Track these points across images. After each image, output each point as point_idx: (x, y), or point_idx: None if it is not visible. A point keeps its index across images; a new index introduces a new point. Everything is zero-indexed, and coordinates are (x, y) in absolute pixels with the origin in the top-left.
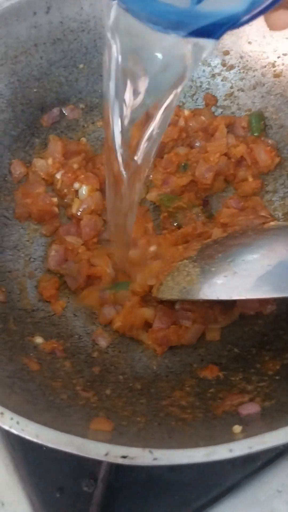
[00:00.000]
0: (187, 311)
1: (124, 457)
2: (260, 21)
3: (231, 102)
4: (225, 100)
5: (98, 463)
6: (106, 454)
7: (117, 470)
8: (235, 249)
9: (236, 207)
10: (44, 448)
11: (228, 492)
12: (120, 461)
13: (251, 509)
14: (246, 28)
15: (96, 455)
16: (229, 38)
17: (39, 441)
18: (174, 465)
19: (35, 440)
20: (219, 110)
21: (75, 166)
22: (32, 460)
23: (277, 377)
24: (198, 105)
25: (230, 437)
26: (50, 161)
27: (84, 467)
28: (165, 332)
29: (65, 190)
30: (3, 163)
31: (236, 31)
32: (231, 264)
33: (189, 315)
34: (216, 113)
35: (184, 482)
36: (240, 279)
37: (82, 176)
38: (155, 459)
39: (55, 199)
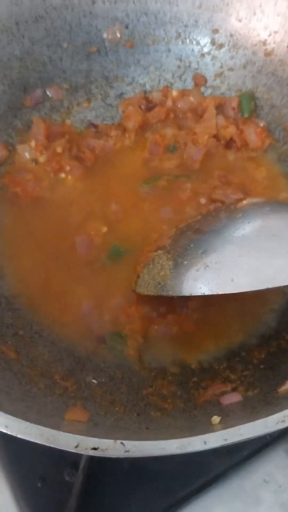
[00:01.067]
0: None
1: (95, 449)
2: None
3: (221, 82)
4: (214, 80)
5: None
6: (77, 446)
7: (100, 460)
8: (207, 238)
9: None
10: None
11: (213, 481)
12: (91, 453)
13: (237, 499)
14: (235, 5)
15: (67, 446)
16: (218, 16)
17: (9, 432)
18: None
19: (4, 430)
20: (209, 91)
21: (59, 149)
22: (14, 450)
23: (261, 366)
24: (187, 86)
25: (208, 428)
26: (33, 143)
27: (66, 456)
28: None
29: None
30: None
31: (225, 7)
32: (202, 256)
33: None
34: (205, 94)
35: (168, 472)
36: (212, 273)
37: (68, 167)
38: (126, 451)
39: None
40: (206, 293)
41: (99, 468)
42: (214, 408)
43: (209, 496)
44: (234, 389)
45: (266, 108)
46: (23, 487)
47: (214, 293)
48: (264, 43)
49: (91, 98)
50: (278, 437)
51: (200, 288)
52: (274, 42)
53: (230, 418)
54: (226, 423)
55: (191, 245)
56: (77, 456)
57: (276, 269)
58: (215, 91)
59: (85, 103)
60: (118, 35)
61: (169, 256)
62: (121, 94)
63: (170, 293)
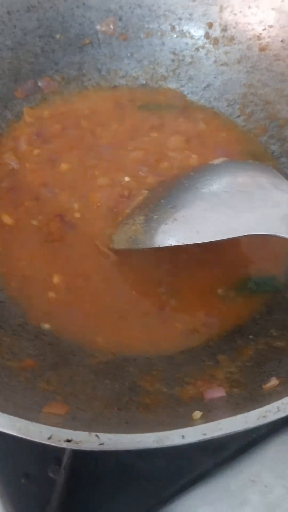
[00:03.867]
0: None
1: (68, 441)
2: None
3: (214, 78)
4: (208, 75)
5: (63, 449)
6: (50, 438)
7: (84, 457)
8: (177, 194)
9: None
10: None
11: (198, 480)
12: (65, 445)
13: (222, 499)
14: None
15: (39, 438)
16: (213, 9)
17: None
18: (138, 451)
19: None
20: (203, 85)
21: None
22: None
23: (248, 364)
24: (181, 80)
25: (188, 423)
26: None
27: (50, 453)
28: None
29: None
30: None
31: (220, 1)
32: (172, 211)
33: None
34: (199, 90)
35: (153, 470)
36: (180, 226)
37: None
38: (101, 443)
39: None
40: (173, 244)
41: (83, 465)
42: (198, 404)
43: (194, 495)
44: (218, 386)
45: (260, 105)
46: (6, 483)
47: (180, 243)
48: (259, 37)
49: (83, 91)
50: (265, 435)
51: (168, 239)
52: (269, 37)
53: (212, 413)
54: (207, 418)
55: (162, 201)
56: (61, 452)
57: (239, 221)
58: (209, 87)
59: (78, 96)
60: (112, 27)
61: (141, 212)
62: (114, 86)
63: (141, 246)
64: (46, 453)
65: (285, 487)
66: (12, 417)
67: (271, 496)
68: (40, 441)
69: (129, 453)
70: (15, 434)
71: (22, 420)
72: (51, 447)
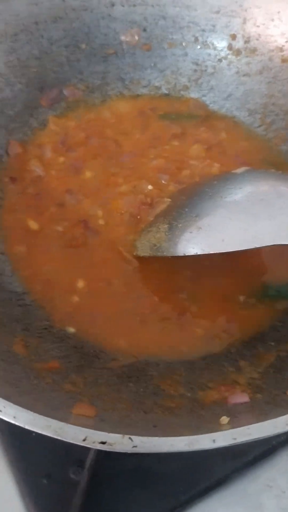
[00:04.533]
0: None
1: (103, 443)
2: (268, 4)
3: (236, 88)
4: (230, 85)
5: (86, 451)
6: (85, 439)
7: (105, 459)
8: (201, 203)
9: None
10: (34, 434)
11: (217, 485)
12: (99, 446)
13: (239, 503)
14: (254, 11)
15: (74, 439)
16: (235, 21)
17: (17, 423)
18: (159, 455)
19: (12, 421)
20: (224, 95)
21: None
22: (21, 446)
23: (271, 370)
24: (203, 90)
25: (217, 428)
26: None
27: (72, 455)
28: None
29: None
30: None
31: (243, 13)
32: (196, 219)
33: None
34: (220, 99)
35: (172, 474)
36: (205, 234)
37: None
38: (134, 446)
39: None
40: (199, 253)
41: (105, 467)
42: (221, 409)
43: (211, 499)
44: (242, 391)
45: (281, 114)
46: (28, 483)
47: (206, 252)
48: (281, 49)
49: (106, 99)
50: (283, 442)
51: (193, 248)
52: None
53: (238, 419)
54: (234, 424)
55: (185, 209)
56: (83, 454)
57: (261, 230)
58: (230, 97)
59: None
60: (136, 38)
61: (164, 220)
62: (137, 96)
63: (165, 254)
64: (68, 455)
65: None
66: (47, 418)
67: (287, 501)
68: (75, 443)
69: (150, 456)
70: (51, 435)
71: (57, 421)
72: (73, 449)
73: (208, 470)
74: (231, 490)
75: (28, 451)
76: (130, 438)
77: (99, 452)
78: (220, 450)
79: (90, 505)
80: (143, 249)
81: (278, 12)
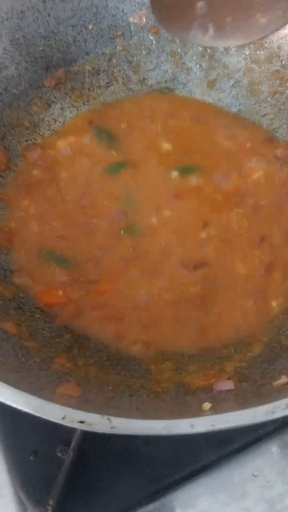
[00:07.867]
0: None
1: (81, 422)
2: None
3: (243, 76)
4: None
5: (73, 431)
6: (63, 418)
7: (92, 440)
8: None
9: None
10: (22, 412)
11: (202, 471)
12: (77, 425)
13: (223, 490)
14: None
15: (53, 417)
16: None
17: None
18: (147, 438)
19: None
20: (231, 82)
21: None
22: (8, 423)
23: (258, 360)
24: (210, 75)
25: (198, 414)
26: None
27: (60, 434)
28: None
29: None
30: (3, 121)
31: None
32: None
33: None
34: (227, 86)
35: (158, 457)
36: None
37: None
38: (112, 427)
39: None
40: None
41: (91, 448)
42: (207, 395)
43: (196, 484)
44: (228, 379)
45: None
46: (15, 459)
47: None
48: None
49: (112, 82)
50: (271, 432)
51: None
52: None
53: (221, 406)
54: (216, 410)
55: None
56: (70, 433)
57: None
58: (237, 84)
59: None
60: (144, 20)
61: None
62: (143, 79)
63: None
64: (55, 433)
65: (286, 484)
66: (28, 395)
67: (272, 491)
68: (54, 421)
69: (137, 438)
70: (30, 412)
71: (38, 398)
72: (61, 428)
73: (194, 455)
74: (216, 477)
75: (17, 428)
76: (108, 418)
77: (86, 432)
78: (207, 436)
79: (74, 482)
80: None
81: None
